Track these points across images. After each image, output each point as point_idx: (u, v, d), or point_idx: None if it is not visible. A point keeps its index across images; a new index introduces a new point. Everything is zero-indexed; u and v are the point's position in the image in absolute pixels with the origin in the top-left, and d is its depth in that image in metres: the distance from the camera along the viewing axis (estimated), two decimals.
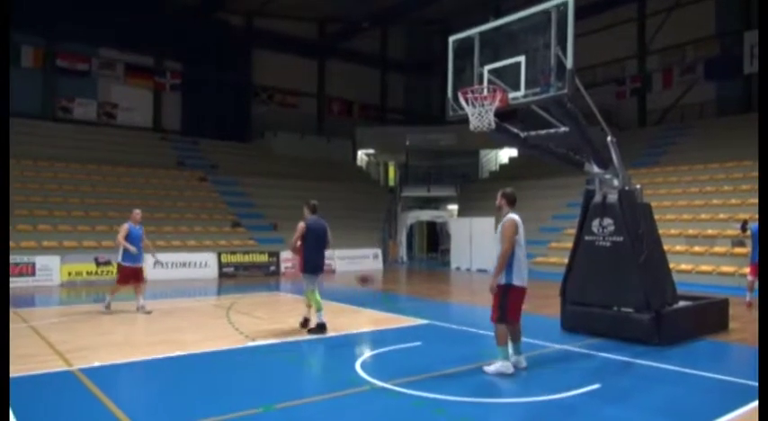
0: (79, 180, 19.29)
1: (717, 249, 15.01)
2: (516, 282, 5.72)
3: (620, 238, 7.54)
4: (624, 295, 7.47)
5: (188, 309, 10.71)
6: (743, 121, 21.67)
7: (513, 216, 5.78)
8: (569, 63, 5.82)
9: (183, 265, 16.32)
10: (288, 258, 18.26)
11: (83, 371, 5.85)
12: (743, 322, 9.03)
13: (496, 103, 6.21)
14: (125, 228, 9.79)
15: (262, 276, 17.25)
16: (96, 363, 6.15)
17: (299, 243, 8.23)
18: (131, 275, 9.82)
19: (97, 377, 5.62)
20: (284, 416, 4.59)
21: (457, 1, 26.05)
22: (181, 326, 8.69)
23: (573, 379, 5.66)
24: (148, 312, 9.68)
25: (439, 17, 30.42)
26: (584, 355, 6.71)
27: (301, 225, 8.29)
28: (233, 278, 16.74)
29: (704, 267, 14.55)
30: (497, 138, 7.20)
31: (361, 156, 30.87)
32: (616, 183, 7.79)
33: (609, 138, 7.54)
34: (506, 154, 29.90)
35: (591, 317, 7.84)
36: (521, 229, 5.76)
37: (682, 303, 7.84)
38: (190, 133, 25.70)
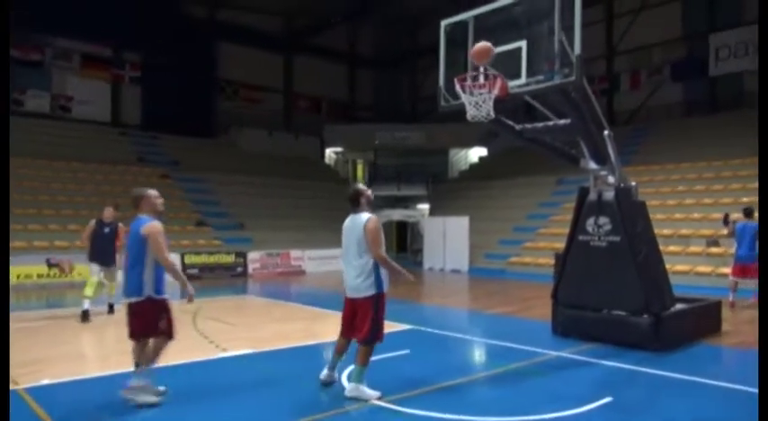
0: (30, 176, 18.07)
1: (692, 249, 14.96)
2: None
3: (617, 238, 7.17)
4: (622, 298, 7.10)
5: None
6: (709, 122, 21.95)
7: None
8: (577, 47, 5.38)
9: None
10: (255, 259, 17.51)
11: (29, 390, 5.10)
12: (733, 324, 8.82)
13: (495, 92, 5.74)
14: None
15: (228, 278, 16.45)
16: (45, 381, 5.40)
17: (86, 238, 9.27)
18: None
19: (45, 398, 4.89)
20: None
21: None
22: None
23: (580, 391, 5.22)
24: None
25: (409, 14, 30.07)
26: (583, 363, 6.29)
27: (91, 224, 9.38)
28: (197, 280, 15.84)
29: (680, 267, 14.43)
30: (494, 129, 6.72)
31: (330, 153, 30.22)
32: (612, 179, 7.42)
33: (606, 133, 7.15)
34: (476, 153, 29.72)
35: (585, 322, 7.45)
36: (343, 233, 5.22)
37: (678, 306, 7.52)
38: (150, 128, 24.58)
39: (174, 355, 6.47)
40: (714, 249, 14.55)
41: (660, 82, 25.07)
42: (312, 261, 18.83)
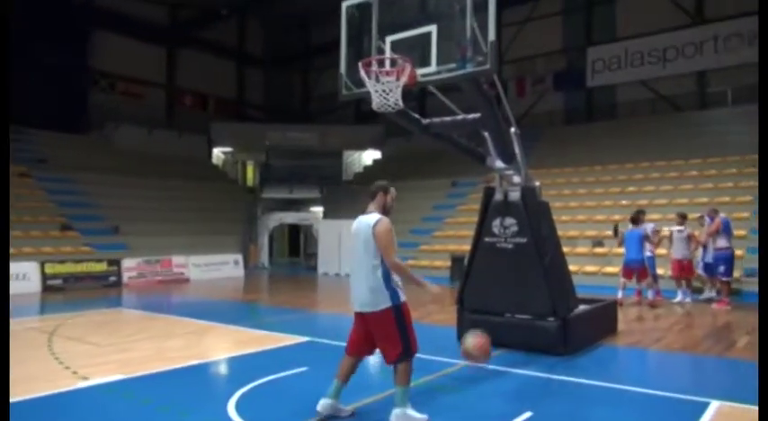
0: None
1: (579, 250, 15.50)
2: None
3: (524, 240, 6.93)
4: (528, 301, 6.87)
5: None
6: (587, 130, 23.26)
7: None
8: (491, 33, 5.00)
9: None
10: (131, 267, 15.85)
11: None
12: (624, 322, 8.98)
13: (404, 79, 5.21)
14: None
15: (99, 288, 14.68)
16: None
17: None
18: None
19: None
20: None
21: None
22: None
23: (498, 406, 4.81)
24: None
25: (300, 12, 29.29)
26: (494, 373, 5.94)
27: None
28: (61, 292, 14.00)
29: (569, 267, 14.90)
30: (398, 122, 6.21)
31: (217, 153, 28.56)
32: (517, 179, 7.20)
33: (513, 130, 6.91)
34: (369, 156, 29.47)
35: (492, 327, 7.06)
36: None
37: (581, 307, 7.45)
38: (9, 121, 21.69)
39: (15, 388, 5.27)
40: (599, 249, 15.19)
41: (543, 91, 26.21)
42: (197, 268, 17.41)
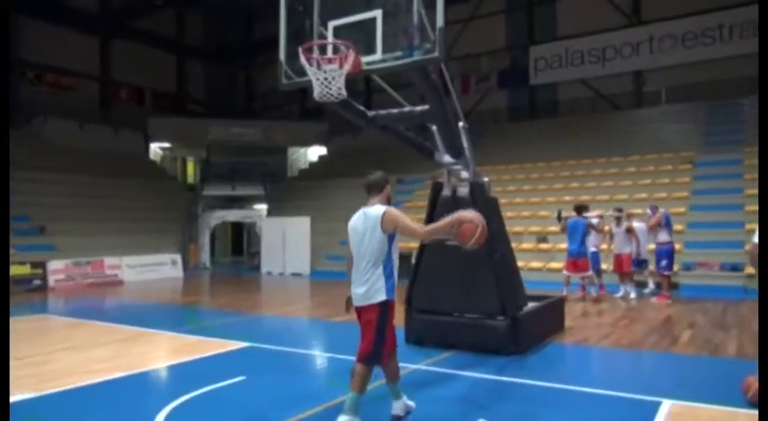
0: None
1: (524, 246, 15.57)
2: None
3: None
4: (477, 300, 6.67)
5: None
6: (530, 127, 23.56)
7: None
8: (440, 19, 4.72)
9: None
10: (58, 269, 14.84)
11: None
12: (571, 318, 8.95)
13: (347, 68, 4.87)
14: None
15: (21, 293, 13.61)
16: None
17: None
18: None
19: None
20: None
21: None
22: None
23: (450, 413, 4.55)
24: None
25: (242, 6, 28.47)
26: (445, 376, 5.69)
27: None
28: None
29: None
30: (342, 113, 5.86)
31: (155, 149, 27.35)
32: (465, 174, 7.00)
33: (461, 124, 6.69)
34: (315, 152, 28.96)
35: (440, 327, 6.91)
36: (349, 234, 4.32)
37: (530, 304, 7.32)
38: None
39: None
40: (543, 245, 15.31)
41: (488, 88, 26.41)
42: (131, 269, 16.51)
